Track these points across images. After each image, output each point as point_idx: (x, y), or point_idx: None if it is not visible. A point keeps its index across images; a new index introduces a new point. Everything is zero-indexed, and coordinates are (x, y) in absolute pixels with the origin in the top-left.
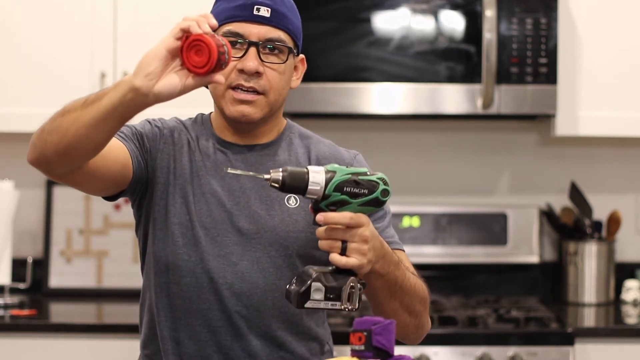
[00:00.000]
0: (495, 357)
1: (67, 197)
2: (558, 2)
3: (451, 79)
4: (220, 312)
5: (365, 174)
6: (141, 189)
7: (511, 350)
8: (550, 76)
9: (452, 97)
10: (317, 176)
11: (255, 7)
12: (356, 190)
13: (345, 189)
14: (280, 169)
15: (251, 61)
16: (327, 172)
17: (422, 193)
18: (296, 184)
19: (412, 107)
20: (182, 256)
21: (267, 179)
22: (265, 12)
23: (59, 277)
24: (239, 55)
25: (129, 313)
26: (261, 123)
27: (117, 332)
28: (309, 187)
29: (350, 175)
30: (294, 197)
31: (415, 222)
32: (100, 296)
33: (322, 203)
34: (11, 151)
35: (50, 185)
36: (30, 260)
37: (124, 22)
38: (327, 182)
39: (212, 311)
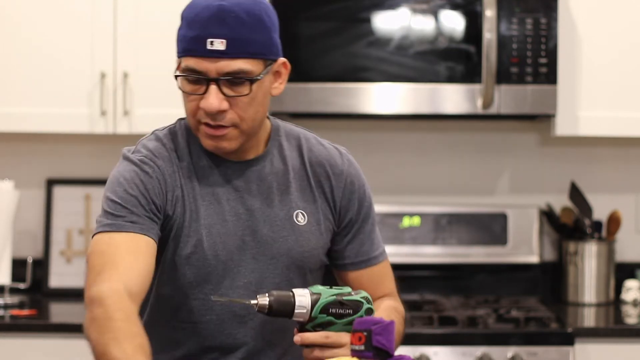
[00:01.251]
0: (495, 357)
1: (67, 197)
2: (558, 2)
3: (451, 79)
4: (244, 344)
5: (349, 293)
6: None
7: (511, 350)
8: (550, 76)
9: (452, 97)
10: (303, 300)
11: (209, 40)
12: (341, 311)
13: (330, 310)
14: (267, 294)
15: (212, 100)
16: (312, 294)
17: (422, 193)
18: (282, 308)
19: (412, 107)
20: (197, 296)
21: (254, 304)
22: (220, 44)
23: (59, 277)
24: (201, 92)
25: None
26: (248, 142)
27: None
28: (296, 311)
29: (335, 297)
30: (302, 214)
31: (415, 222)
32: None
33: (309, 325)
34: (11, 151)
35: (50, 185)
36: (30, 260)
37: (124, 22)
38: (313, 304)
39: (236, 342)
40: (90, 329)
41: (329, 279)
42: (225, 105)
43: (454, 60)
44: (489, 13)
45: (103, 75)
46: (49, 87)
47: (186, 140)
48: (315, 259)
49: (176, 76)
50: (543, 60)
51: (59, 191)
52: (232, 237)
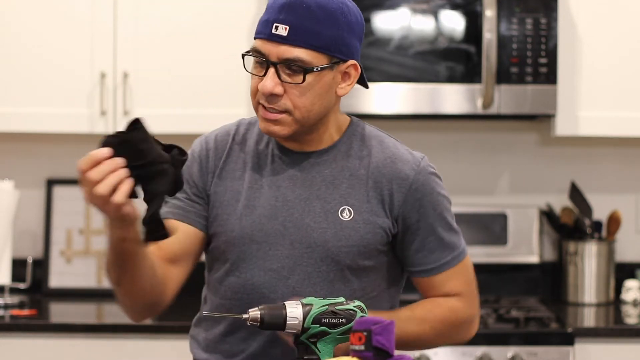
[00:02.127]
0: (495, 357)
1: (67, 197)
2: (558, 2)
3: (451, 79)
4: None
5: (342, 303)
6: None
7: (511, 350)
8: (550, 76)
9: (452, 97)
10: (294, 311)
11: (274, 25)
12: (334, 321)
13: (323, 320)
14: (258, 308)
15: (267, 82)
16: (304, 305)
17: None
18: (274, 321)
19: (412, 107)
20: (234, 273)
21: (245, 318)
22: (283, 30)
23: (59, 277)
24: (262, 73)
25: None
26: (304, 132)
27: (117, 332)
28: (288, 322)
29: (327, 307)
30: (348, 209)
31: None
32: (100, 296)
33: (303, 336)
34: (11, 151)
35: (50, 185)
36: (30, 260)
37: (124, 22)
38: (305, 315)
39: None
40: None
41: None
42: (279, 89)
43: (454, 60)
44: (489, 13)
45: (103, 76)
46: (49, 87)
47: (258, 130)
48: (354, 257)
49: (243, 55)
50: (543, 60)
51: (59, 191)
52: (273, 221)
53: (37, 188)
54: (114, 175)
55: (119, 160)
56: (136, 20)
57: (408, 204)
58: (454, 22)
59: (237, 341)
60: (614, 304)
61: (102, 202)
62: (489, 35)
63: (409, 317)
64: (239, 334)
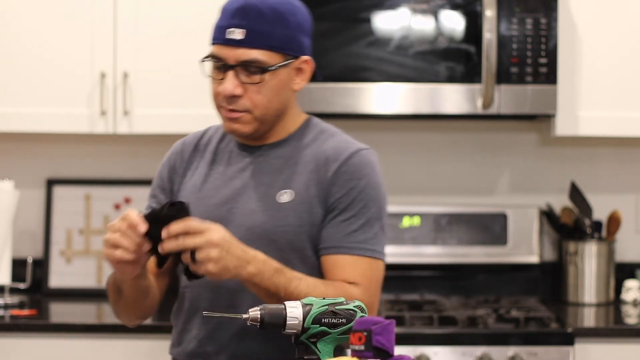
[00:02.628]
0: (495, 357)
1: (67, 197)
2: (558, 2)
3: (451, 79)
4: (220, 308)
5: (342, 303)
6: None
7: (511, 350)
8: (550, 76)
9: (452, 97)
10: (294, 311)
11: (229, 29)
12: (334, 321)
13: (323, 320)
14: (258, 308)
15: (227, 84)
16: (304, 305)
17: (422, 193)
18: (274, 321)
19: (412, 107)
20: None
21: (245, 318)
22: (238, 34)
23: (59, 277)
24: (221, 77)
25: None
26: (264, 129)
27: (117, 332)
28: (288, 322)
29: (327, 307)
30: (288, 193)
31: (415, 222)
32: (100, 296)
33: (303, 336)
34: (11, 151)
35: (50, 185)
36: (30, 260)
37: (124, 22)
38: (305, 315)
39: (213, 308)
40: None
41: None
42: (239, 90)
43: (454, 60)
44: (489, 13)
45: (103, 75)
46: (49, 87)
47: (222, 129)
48: (291, 237)
49: (202, 61)
50: (543, 60)
51: (59, 191)
52: (220, 208)
53: (37, 188)
54: (131, 245)
55: (140, 234)
56: (136, 20)
57: (335, 182)
58: (454, 22)
59: (191, 330)
60: (614, 304)
61: (115, 263)
62: (489, 35)
63: (301, 278)
64: (192, 324)
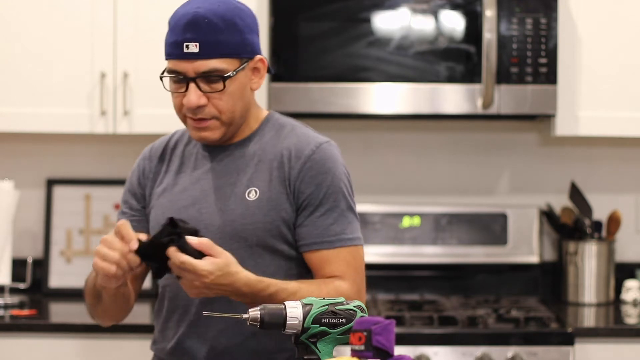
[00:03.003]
0: (495, 357)
1: (67, 197)
2: (558, 2)
3: (451, 79)
4: (199, 305)
5: (341, 303)
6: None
7: (511, 350)
8: (550, 76)
9: (452, 97)
10: (294, 311)
11: (185, 44)
12: (334, 321)
13: (323, 320)
14: (258, 308)
15: (191, 97)
16: (304, 305)
17: (422, 193)
18: (274, 321)
19: (412, 107)
20: None
21: (245, 318)
22: (194, 47)
23: (59, 277)
24: (183, 90)
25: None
26: (232, 131)
27: (117, 332)
28: (288, 322)
29: (327, 307)
30: (254, 190)
31: (415, 222)
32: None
33: (303, 336)
34: (11, 151)
35: (50, 185)
36: (30, 260)
37: (124, 22)
38: (305, 315)
39: (189, 307)
40: None
41: None
42: (203, 100)
43: (454, 60)
44: (489, 13)
45: (103, 75)
46: (49, 87)
47: (188, 134)
48: (260, 233)
49: (161, 77)
50: (543, 60)
51: (59, 191)
52: (190, 209)
53: (37, 188)
54: (115, 259)
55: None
56: (136, 20)
57: (303, 180)
58: (454, 22)
59: (171, 328)
60: (613, 304)
61: (102, 274)
62: (489, 35)
63: (295, 291)
64: (171, 321)
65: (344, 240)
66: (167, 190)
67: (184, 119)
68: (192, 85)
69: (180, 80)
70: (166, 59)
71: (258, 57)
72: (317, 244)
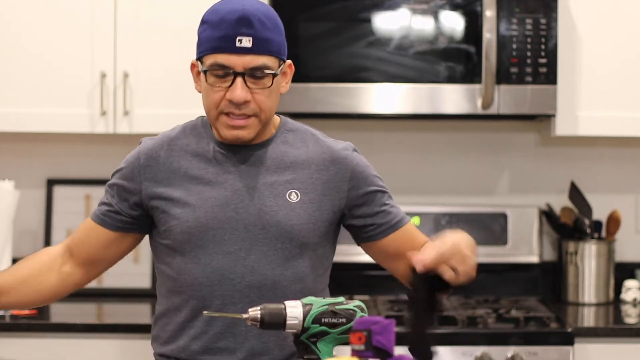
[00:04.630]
0: (495, 357)
1: (67, 197)
2: (558, 2)
3: (451, 79)
4: (233, 305)
5: (341, 303)
6: (147, 223)
7: (511, 350)
8: (549, 76)
9: (452, 97)
10: (294, 311)
11: (238, 38)
12: (334, 320)
13: (323, 320)
14: (259, 308)
15: (238, 91)
16: (304, 305)
17: (422, 193)
18: (275, 320)
19: (412, 107)
20: (193, 260)
21: (245, 318)
22: (247, 42)
23: None
24: (227, 84)
25: (129, 313)
26: (260, 132)
27: (117, 332)
28: (288, 322)
29: (327, 307)
30: (295, 192)
31: (415, 222)
32: (100, 296)
33: (303, 336)
34: (11, 151)
35: (50, 185)
36: None
37: (124, 22)
38: (305, 315)
39: (226, 305)
40: None
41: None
42: (249, 96)
43: (454, 60)
44: (489, 13)
45: (103, 75)
46: (49, 87)
47: (198, 131)
48: (305, 234)
49: (204, 71)
50: (543, 60)
51: (59, 191)
52: (225, 208)
53: (37, 188)
54: None
55: None
56: (136, 20)
57: (355, 178)
58: (454, 22)
59: (194, 332)
60: (613, 303)
61: None
62: (488, 35)
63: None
64: (195, 326)
65: (405, 217)
66: (189, 189)
67: (217, 116)
68: (239, 80)
69: (224, 75)
70: (208, 53)
71: (289, 61)
72: (398, 222)
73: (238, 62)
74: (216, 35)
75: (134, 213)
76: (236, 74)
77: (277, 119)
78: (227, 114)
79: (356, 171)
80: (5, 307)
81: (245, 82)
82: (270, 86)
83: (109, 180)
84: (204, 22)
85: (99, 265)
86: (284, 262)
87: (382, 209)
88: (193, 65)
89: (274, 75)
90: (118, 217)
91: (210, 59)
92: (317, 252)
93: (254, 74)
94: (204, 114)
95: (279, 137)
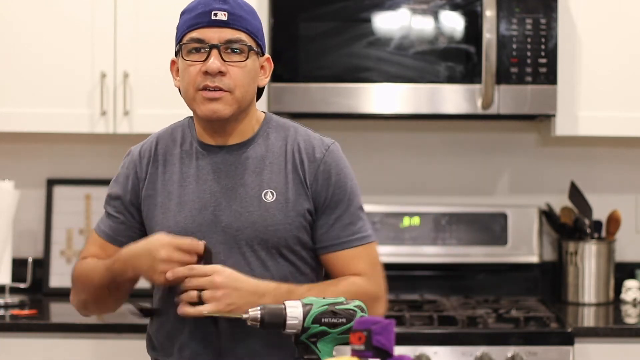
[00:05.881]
0: (495, 357)
1: (67, 197)
2: (558, 2)
3: (451, 79)
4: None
5: (341, 303)
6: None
7: (511, 350)
8: (549, 76)
9: (452, 97)
10: (294, 311)
11: (213, 12)
12: (334, 320)
13: (323, 320)
14: (259, 308)
15: (213, 62)
16: (304, 305)
17: (422, 193)
18: (275, 320)
19: (412, 107)
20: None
21: (246, 318)
22: (222, 15)
23: (59, 277)
24: (203, 58)
25: (129, 313)
26: (233, 121)
27: (117, 332)
28: (288, 322)
29: (327, 307)
30: (271, 192)
31: (415, 222)
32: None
33: (303, 336)
34: (11, 151)
35: (50, 185)
36: (30, 260)
37: (124, 22)
38: (305, 315)
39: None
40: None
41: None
42: (224, 68)
43: (454, 60)
44: (489, 13)
45: (103, 76)
46: (50, 87)
47: (182, 132)
48: (281, 235)
49: (181, 45)
50: (543, 61)
51: (59, 191)
52: (203, 212)
53: (37, 188)
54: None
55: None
56: (136, 20)
57: (318, 183)
58: (454, 22)
59: (181, 341)
60: (613, 303)
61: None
62: (488, 35)
63: (309, 289)
64: (184, 331)
65: (360, 239)
66: (172, 193)
67: (194, 93)
68: (214, 52)
69: (200, 49)
70: (188, 30)
71: (267, 56)
72: (337, 245)
73: (214, 35)
74: (192, 15)
75: (135, 222)
76: (211, 47)
77: (261, 115)
78: (203, 89)
79: (324, 176)
80: (95, 313)
81: (220, 55)
82: (245, 60)
83: (108, 180)
84: (180, 15)
85: None
86: (263, 265)
87: (330, 225)
88: (173, 63)
89: (250, 50)
90: (125, 232)
91: (186, 38)
92: (297, 253)
93: (229, 47)
94: None
95: (260, 135)
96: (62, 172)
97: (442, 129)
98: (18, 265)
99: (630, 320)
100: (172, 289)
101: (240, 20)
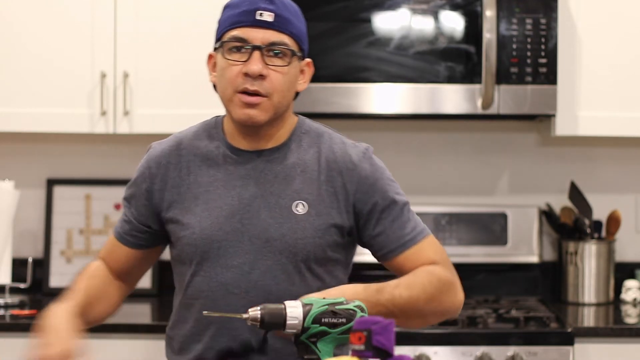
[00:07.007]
0: (495, 357)
1: (67, 197)
2: (558, 2)
3: (451, 79)
4: (237, 320)
5: (341, 303)
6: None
7: (511, 350)
8: (549, 76)
9: (452, 97)
10: (294, 311)
11: (258, 12)
12: (334, 320)
13: (323, 320)
14: (259, 308)
15: (255, 64)
16: (304, 305)
17: (422, 193)
18: (275, 320)
19: (412, 107)
20: (199, 273)
21: (245, 318)
22: (268, 16)
23: (59, 277)
24: (244, 59)
25: (129, 313)
26: (267, 126)
27: (117, 332)
28: (288, 322)
29: (327, 307)
30: (302, 204)
31: None
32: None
33: (303, 336)
34: (11, 151)
35: (50, 185)
36: (30, 260)
37: (124, 22)
38: (305, 315)
39: (229, 320)
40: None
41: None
42: (265, 71)
43: (454, 60)
44: (489, 13)
45: (103, 76)
46: (50, 87)
47: (209, 134)
48: (310, 248)
49: (222, 42)
50: (543, 61)
51: (59, 191)
52: (230, 219)
53: (37, 188)
54: None
55: None
56: (136, 20)
57: (361, 192)
58: (454, 22)
59: (206, 340)
60: (613, 303)
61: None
62: (488, 35)
63: (397, 284)
64: (206, 333)
65: (421, 232)
66: (197, 198)
67: (232, 95)
68: (257, 53)
69: (242, 49)
70: (230, 28)
71: (308, 59)
72: (403, 245)
73: (258, 35)
74: (236, 12)
75: (154, 225)
76: (254, 48)
77: (294, 119)
78: (241, 92)
79: (364, 184)
80: (91, 323)
81: (262, 57)
82: (287, 66)
83: (108, 180)
84: (224, 8)
85: (135, 275)
86: (289, 278)
87: (388, 229)
88: (210, 57)
89: (293, 55)
90: (141, 235)
91: (228, 35)
92: (326, 267)
93: (272, 49)
94: (203, 115)
95: (293, 141)
96: (62, 172)
97: (442, 129)
98: (18, 265)
99: (630, 320)
100: (186, 298)
101: (285, 23)
